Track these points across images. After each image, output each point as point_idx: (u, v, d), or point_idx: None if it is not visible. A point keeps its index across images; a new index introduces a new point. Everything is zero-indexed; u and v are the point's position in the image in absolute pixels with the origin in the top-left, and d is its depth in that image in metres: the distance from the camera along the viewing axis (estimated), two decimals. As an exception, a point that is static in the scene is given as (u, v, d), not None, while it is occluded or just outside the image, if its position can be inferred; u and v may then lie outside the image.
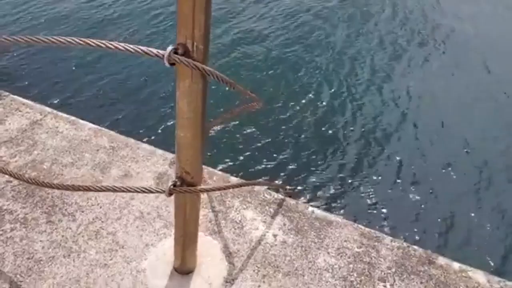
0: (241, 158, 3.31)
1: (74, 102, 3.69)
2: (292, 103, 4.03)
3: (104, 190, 1.38)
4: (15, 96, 2.61)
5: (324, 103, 4.08)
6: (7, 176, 2.08)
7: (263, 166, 3.28)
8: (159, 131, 3.49)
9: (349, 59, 4.83)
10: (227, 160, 3.31)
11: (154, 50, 1.08)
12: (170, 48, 1.07)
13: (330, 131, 3.73)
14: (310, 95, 4.17)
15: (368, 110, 4.07)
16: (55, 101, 3.65)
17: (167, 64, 1.07)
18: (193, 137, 1.28)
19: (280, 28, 5.33)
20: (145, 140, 3.11)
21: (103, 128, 2.45)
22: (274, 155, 3.40)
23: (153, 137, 3.33)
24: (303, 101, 4.09)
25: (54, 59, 4.22)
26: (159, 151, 2.30)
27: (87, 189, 1.41)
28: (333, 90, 4.30)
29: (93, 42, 1.10)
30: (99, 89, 3.94)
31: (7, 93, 2.62)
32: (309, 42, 5.11)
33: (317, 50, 4.94)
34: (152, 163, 2.23)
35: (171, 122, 3.57)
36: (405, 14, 6.11)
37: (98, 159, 2.21)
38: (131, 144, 2.33)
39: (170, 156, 2.29)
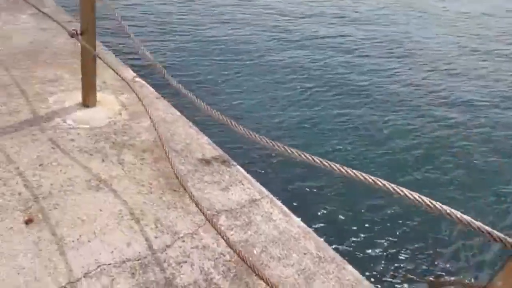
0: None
1: (291, 190, 3.94)
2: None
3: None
4: (240, 168, 2.91)
5: None
6: (221, 247, 2.27)
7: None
8: (373, 258, 3.39)
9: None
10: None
11: (500, 235, 1.06)
12: (522, 240, 1.03)
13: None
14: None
15: None
16: (271, 184, 3.85)
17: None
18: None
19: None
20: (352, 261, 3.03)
21: (312, 231, 2.51)
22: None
23: (359, 261, 3.24)
24: None
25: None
26: (366, 283, 2.24)
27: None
28: None
29: (431, 204, 1.13)
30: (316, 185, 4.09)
31: (235, 163, 2.94)
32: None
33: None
34: (356, 293, 2.17)
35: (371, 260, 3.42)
36: None
37: (304, 264, 2.25)
38: (337, 261, 2.33)
39: (376, 292, 2.21)
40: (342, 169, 1.38)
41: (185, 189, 2.18)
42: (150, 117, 2.48)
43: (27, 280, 1.85)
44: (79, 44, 3.97)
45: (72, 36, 2.77)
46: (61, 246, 2.04)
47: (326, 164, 1.48)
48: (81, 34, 2.80)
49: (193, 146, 3.02)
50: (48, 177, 2.44)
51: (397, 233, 3.61)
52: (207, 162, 2.90)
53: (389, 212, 3.83)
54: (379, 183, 1.23)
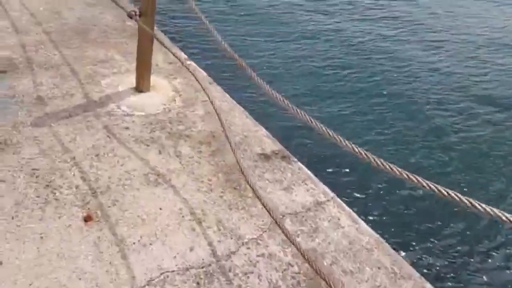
0: None
1: (354, 191, 3.72)
2: None
3: None
4: (302, 166, 2.71)
5: None
6: (288, 257, 2.10)
7: None
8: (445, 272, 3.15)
9: None
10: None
11: None
12: None
13: None
14: None
15: None
16: (338, 187, 3.45)
17: None
18: None
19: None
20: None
21: (385, 242, 2.30)
22: None
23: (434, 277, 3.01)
24: None
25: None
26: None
27: None
28: None
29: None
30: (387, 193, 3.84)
31: (296, 160, 2.73)
32: None
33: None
34: (437, 316, 1.96)
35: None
36: None
37: (379, 281, 2.05)
38: (415, 278, 2.12)
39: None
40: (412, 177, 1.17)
41: (253, 190, 1.99)
42: (216, 109, 2.29)
43: (88, 287, 1.73)
44: (128, 23, 3.81)
45: (130, 17, 2.59)
46: (122, 249, 1.90)
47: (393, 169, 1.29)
48: (140, 15, 2.61)
49: (251, 139, 2.83)
50: (105, 170, 2.30)
51: (471, 245, 3.36)
52: (266, 157, 2.70)
53: (457, 222, 3.56)
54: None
